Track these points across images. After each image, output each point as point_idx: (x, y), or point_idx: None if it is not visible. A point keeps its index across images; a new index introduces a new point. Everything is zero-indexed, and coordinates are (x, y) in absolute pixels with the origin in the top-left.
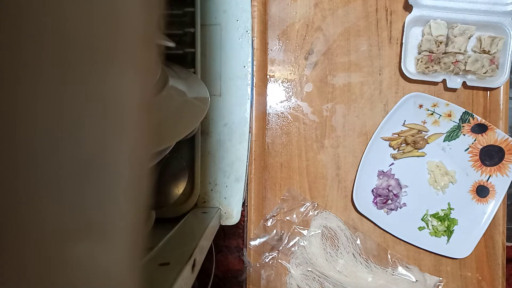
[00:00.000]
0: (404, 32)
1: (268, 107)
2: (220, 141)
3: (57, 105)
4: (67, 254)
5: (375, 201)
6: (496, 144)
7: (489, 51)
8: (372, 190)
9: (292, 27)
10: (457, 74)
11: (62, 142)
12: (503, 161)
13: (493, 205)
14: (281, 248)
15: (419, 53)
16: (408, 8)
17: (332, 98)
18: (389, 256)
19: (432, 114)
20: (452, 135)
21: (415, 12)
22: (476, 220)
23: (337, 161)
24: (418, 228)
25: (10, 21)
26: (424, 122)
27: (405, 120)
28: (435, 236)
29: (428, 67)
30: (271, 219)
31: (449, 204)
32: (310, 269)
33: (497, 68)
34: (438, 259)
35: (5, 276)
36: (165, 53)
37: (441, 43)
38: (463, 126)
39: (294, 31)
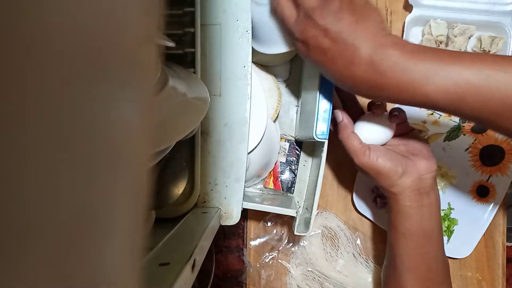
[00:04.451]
0: (404, 32)
1: None
2: (220, 141)
3: (54, 105)
4: (68, 255)
5: (375, 201)
6: (497, 144)
7: (489, 50)
8: (372, 190)
9: None
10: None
11: (61, 140)
12: (503, 161)
13: (493, 205)
14: (281, 248)
15: None
16: (408, 8)
17: None
18: None
19: (432, 114)
20: (452, 135)
21: (415, 12)
22: (476, 220)
23: (337, 160)
24: None
25: (9, 23)
26: (424, 122)
27: None
28: None
29: None
30: (271, 219)
31: (449, 204)
32: (310, 269)
33: None
34: None
35: (7, 281)
36: (165, 53)
37: (441, 42)
38: (463, 126)
39: None
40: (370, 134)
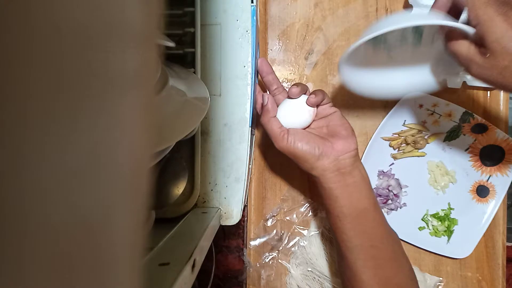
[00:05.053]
0: None
1: None
2: (220, 141)
3: (55, 105)
4: (68, 256)
5: None
6: (496, 144)
7: None
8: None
9: (292, 27)
10: (457, 74)
11: (60, 140)
12: (503, 161)
13: (493, 205)
14: (281, 248)
15: None
16: (408, 7)
17: (332, 98)
18: None
19: (432, 114)
20: (452, 135)
21: (415, 11)
22: (476, 220)
23: None
24: (418, 228)
25: (12, 22)
26: (424, 122)
27: (405, 120)
28: (435, 236)
29: None
30: (271, 219)
31: (449, 204)
32: (310, 269)
33: None
34: (438, 259)
35: (6, 278)
36: (165, 53)
37: None
38: (463, 126)
39: (294, 31)
40: (290, 117)
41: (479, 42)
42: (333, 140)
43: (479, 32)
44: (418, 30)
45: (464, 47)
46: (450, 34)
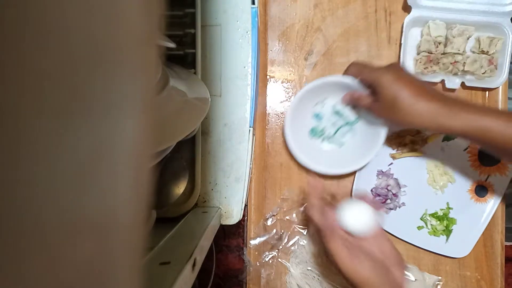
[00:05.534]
0: (403, 33)
1: (268, 107)
2: (220, 141)
3: (58, 105)
4: (67, 255)
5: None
6: None
7: (487, 51)
8: (371, 190)
9: (292, 27)
10: (455, 74)
11: (61, 140)
12: (502, 161)
13: (492, 204)
14: (281, 247)
15: (418, 54)
16: (407, 9)
17: None
18: None
19: None
20: None
21: (414, 12)
22: (475, 220)
23: None
24: (417, 227)
25: (12, 22)
26: None
27: None
28: (434, 235)
29: (427, 68)
30: (271, 219)
31: (448, 203)
32: (309, 268)
33: (496, 68)
34: (437, 258)
35: (4, 276)
36: (166, 54)
37: (440, 43)
38: None
39: (294, 32)
40: (356, 221)
41: (375, 93)
42: (389, 263)
43: (375, 86)
44: (341, 114)
45: (366, 100)
46: (357, 97)
